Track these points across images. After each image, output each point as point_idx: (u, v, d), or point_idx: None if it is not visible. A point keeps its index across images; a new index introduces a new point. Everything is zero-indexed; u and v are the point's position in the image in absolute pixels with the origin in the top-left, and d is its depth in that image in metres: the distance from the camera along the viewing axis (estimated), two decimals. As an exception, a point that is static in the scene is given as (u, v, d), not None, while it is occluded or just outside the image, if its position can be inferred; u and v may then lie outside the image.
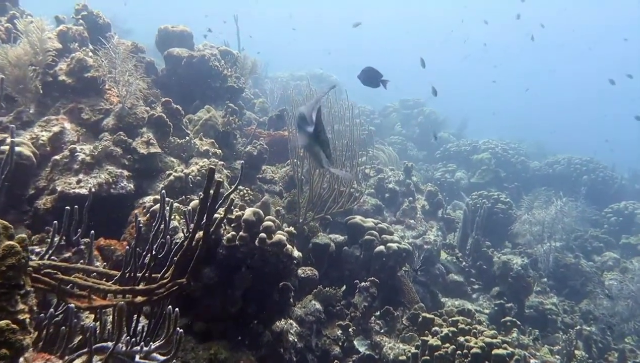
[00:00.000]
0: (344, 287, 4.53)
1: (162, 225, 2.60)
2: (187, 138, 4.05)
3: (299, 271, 3.69)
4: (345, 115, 5.15)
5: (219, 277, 2.91)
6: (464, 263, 5.95)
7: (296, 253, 3.12)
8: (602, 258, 7.35)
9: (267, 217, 3.16)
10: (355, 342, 3.94)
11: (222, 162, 4.14)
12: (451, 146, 11.55)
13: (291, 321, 3.76)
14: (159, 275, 2.60)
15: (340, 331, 3.99)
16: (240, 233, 3.00)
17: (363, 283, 4.17)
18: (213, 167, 2.50)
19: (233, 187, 2.68)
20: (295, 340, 3.65)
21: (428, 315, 3.76)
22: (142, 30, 5.85)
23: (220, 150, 4.35)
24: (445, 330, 3.36)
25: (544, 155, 14.19)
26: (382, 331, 4.03)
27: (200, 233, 2.63)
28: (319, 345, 3.89)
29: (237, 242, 2.97)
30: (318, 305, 4.03)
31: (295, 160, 4.89)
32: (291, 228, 3.33)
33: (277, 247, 3.01)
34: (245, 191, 4.66)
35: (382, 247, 4.42)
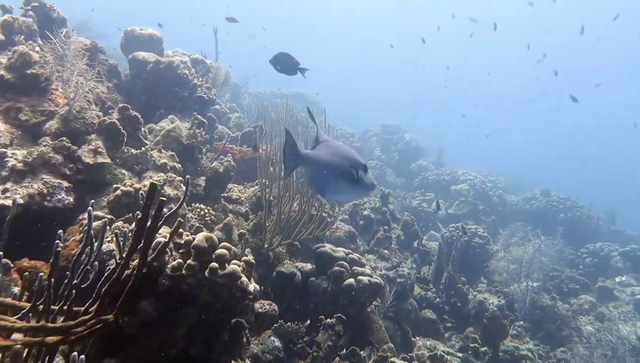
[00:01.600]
0: (308, 321, 4.15)
1: (91, 248, 2.21)
2: (143, 149, 3.67)
3: (257, 305, 3.31)
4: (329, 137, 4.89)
5: (159, 312, 2.50)
6: (437, 299, 5.64)
7: (252, 286, 2.75)
8: (578, 301, 7.14)
9: (222, 244, 2.78)
10: (315, 387, 3.56)
11: (180, 178, 3.75)
12: (430, 175, 11.38)
13: (246, 361, 3.36)
14: (82, 309, 2.20)
15: (299, 373, 3.59)
16: (189, 261, 2.61)
17: (329, 320, 3.80)
18: (155, 182, 2.15)
19: (176, 206, 2.32)
20: (249, 382, 3.25)
21: (397, 361, 3.40)
22: (118, 36, 5.47)
23: (180, 165, 3.97)
24: (414, 381, 3.02)
25: (521, 189, 14.20)
26: (346, 375, 3.65)
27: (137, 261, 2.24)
28: (275, 388, 3.49)
29: (183, 272, 2.58)
30: (277, 343, 3.63)
31: (263, 180, 4.55)
32: (249, 258, 2.95)
33: (230, 279, 2.62)
34: (206, 211, 4.28)
35: (352, 280, 4.07)
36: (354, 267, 4.20)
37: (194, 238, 2.69)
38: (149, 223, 2.22)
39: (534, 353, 4.97)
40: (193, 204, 4.28)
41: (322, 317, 3.83)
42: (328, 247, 4.37)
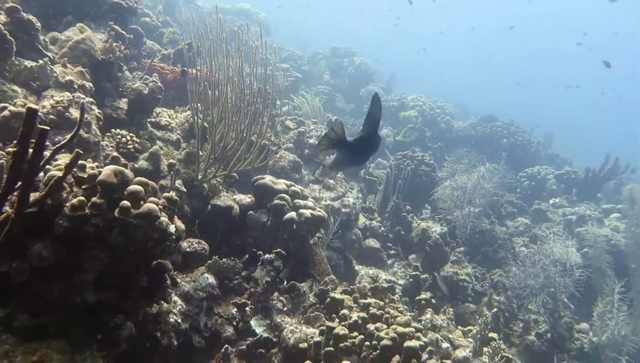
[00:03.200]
0: (247, 256, 3.93)
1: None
2: (42, 62, 3.05)
3: (184, 244, 2.99)
4: (271, 58, 4.37)
5: (57, 256, 2.12)
6: (382, 228, 5.59)
7: (173, 227, 2.40)
8: (515, 224, 7.42)
9: (137, 179, 2.38)
10: (252, 322, 3.39)
11: (90, 99, 3.20)
12: (380, 101, 11.08)
13: (175, 298, 3.11)
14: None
15: (235, 309, 3.41)
16: (94, 199, 2.21)
17: (267, 256, 3.58)
18: (34, 107, 1.68)
19: (72, 133, 1.89)
20: (179, 320, 3.02)
21: (337, 296, 3.27)
22: None
23: (91, 84, 3.39)
24: (354, 316, 2.89)
25: (467, 115, 14.31)
26: (285, 309, 3.50)
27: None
28: (208, 326, 3.30)
29: (87, 211, 2.18)
30: (211, 279, 3.39)
31: (195, 105, 4.04)
32: (172, 194, 2.58)
33: (145, 220, 2.26)
34: (129, 138, 3.78)
35: (293, 214, 3.83)
36: (296, 200, 3.95)
37: (100, 172, 2.27)
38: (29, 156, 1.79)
39: (472, 277, 5.09)
40: (113, 130, 3.76)
41: (261, 252, 3.60)
42: (268, 178, 4.05)
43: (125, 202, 2.23)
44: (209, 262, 3.48)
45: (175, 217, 2.63)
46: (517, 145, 11.01)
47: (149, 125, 4.22)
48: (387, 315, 2.99)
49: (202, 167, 4.04)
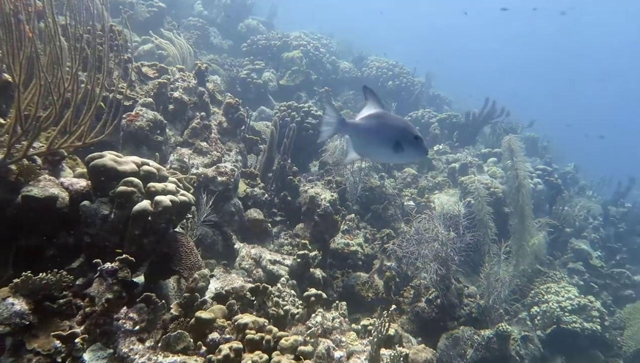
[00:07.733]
0: (80, 260, 2.99)
1: None
2: None
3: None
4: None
5: None
6: (266, 195, 4.89)
7: None
8: (402, 174, 7.28)
9: None
10: (86, 356, 2.54)
11: None
12: (260, 39, 9.95)
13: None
14: None
15: (59, 342, 2.51)
16: None
17: (108, 265, 2.67)
18: None
19: None
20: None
21: (204, 316, 2.54)
22: None
23: None
24: (225, 349, 2.22)
25: (352, 52, 13.84)
26: (136, 328, 2.69)
27: None
28: (18, 370, 2.39)
29: None
30: (19, 305, 2.43)
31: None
32: None
33: None
34: None
35: (146, 203, 2.89)
36: (151, 184, 3.00)
37: None
38: None
39: (363, 247, 4.73)
40: None
41: (99, 260, 2.68)
42: (109, 157, 3.00)
43: None
44: (16, 280, 2.48)
45: None
46: (402, 88, 10.90)
47: None
48: (268, 337, 2.38)
49: (4, 140, 2.87)
